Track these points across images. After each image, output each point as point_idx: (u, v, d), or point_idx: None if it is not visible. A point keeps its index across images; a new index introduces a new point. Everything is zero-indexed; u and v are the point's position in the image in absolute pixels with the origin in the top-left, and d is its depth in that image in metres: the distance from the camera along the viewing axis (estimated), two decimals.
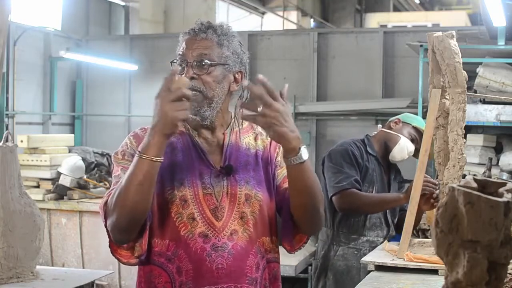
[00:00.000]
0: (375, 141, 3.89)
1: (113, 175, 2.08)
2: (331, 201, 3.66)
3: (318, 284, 3.88)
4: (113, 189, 1.97)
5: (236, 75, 2.11)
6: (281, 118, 1.80)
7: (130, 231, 1.95)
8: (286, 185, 2.10)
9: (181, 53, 2.06)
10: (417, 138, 3.82)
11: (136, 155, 1.87)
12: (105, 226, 1.98)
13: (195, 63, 2.03)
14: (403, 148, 3.80)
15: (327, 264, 3.83)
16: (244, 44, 2.24)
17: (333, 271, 3.80)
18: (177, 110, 1.81)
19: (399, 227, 3.81)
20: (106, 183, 6.18)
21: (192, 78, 2.01)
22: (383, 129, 3.94)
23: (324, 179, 3.73)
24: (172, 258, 2.01)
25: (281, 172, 2.15)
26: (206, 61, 2.03)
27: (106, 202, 1.95)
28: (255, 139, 2.18)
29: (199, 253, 1.98)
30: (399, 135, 3.82)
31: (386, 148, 3.85)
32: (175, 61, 2.08)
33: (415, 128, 3.83)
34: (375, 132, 3.97)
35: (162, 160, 1.87)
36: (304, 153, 1.89)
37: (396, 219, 3.88)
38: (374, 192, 3.74)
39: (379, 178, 3.81)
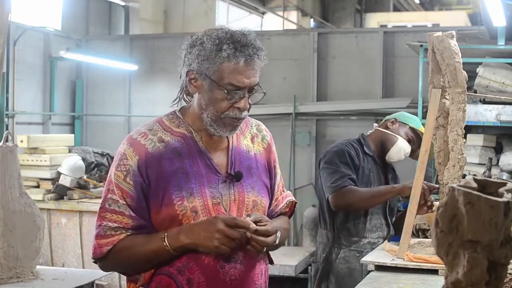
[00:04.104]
0: (371, 141, 3.87)
1: (107, 195, 2.01)
2: (329, 202, 3.65)
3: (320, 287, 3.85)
4: (106, 212, 1.99)
5: None
6: (274, 239, 1.97)
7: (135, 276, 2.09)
8: (274, 207, 2.20)
9: (238, 83, 1.95)
10: (413, 139, 3.82)
11: (161, 239, 1.93)
12: (100, 265, 2.08)
13: (251, 92, 2.01)
14: (400, 149, 3.80)
15: (329, 267, 3.79)
16: None
17: (335, 275, 3.76)
18: (223, 245, 1.88)
19: (396, 228, 3.82)
20: None
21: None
22: (379, 128, 3.91)
23: (321, 180, 3.72)
24: (182, 270, 1.98)
25: (276, 185, 2.21)
26: (258, 90, 2.02)
27: (109, 251, 1.99)
28: (252, 140, 2.17)
29: (212, 266, 1.97)
30: (396, 135, 3.81)
31: (383, 148, 3.84)
32: (231, 88, 1.96)
33: (412, 129, 3.83)
34: (371, 131, 3.95)
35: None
36: (277, 239, 2.01)
37: (394, 219, 3.87)
38: None
39: (377, 178, 3.80)
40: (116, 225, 1.98)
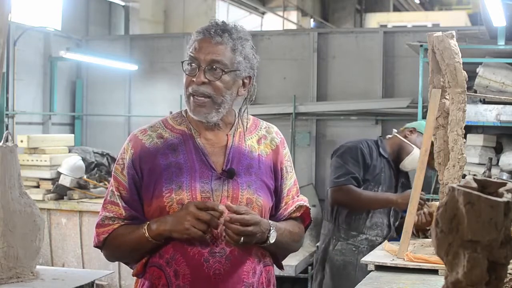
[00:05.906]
0: (388, 145, 3.94)
1: (109, 187, 2.14)
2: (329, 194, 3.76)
3: (317, 277, 3.96)
4: (107, 203, 2.11)
5: (245, 80, 2.11)
6: (252, 230, 1.97)
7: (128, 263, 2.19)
8: (283, 210, 2.20)
9: (193, 54, 2.05)
10: (431, 150, 3.87)
11: (143, 229, 2.01)
12: (103, 253, 2.19)
13: (208, 68, 2.03)
14: (414, 158, 3.85)
15: (325, 257, 3.91)
16: None
17: (330, 265, 3.88)
18: (194, 227, 1.92)
19: (397, 231, 3.85)
20: (106, 183, 6.17)
21: (203, 83, 2.03)
22: (397, 135, 3.97)
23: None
24: (170, 261, 2.02)
25: (285, 188, 2.21)
26: (219, 67, 2.03)
27: (105, 239, 2.10)
28: (258, 142, 2.17)
29: (196, 258, 1.99)
30: (412, 145, 3.88)
31: (398, 155, 3.91)
32: (186, 61, 2.07)
33: None
34: (389, 136, 4.02)
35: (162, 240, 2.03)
36: (272, 237, 2.04)
37: (397, 223, 3.90)
38: (379, 192, 3.78)
39: (388, 180, 3.86)
40: (112, 215, 2.09)
